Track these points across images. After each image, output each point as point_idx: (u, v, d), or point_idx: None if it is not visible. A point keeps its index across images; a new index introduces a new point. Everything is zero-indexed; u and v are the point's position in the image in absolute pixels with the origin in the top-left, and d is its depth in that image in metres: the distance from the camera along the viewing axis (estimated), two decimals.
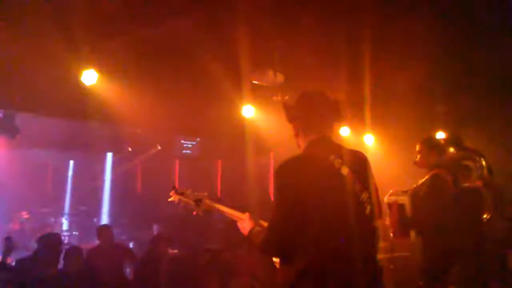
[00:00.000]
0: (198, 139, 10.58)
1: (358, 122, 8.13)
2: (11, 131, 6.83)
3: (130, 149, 10.02)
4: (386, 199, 4.20)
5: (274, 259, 2.35)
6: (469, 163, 4.86)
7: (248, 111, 7.47)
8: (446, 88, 6.47)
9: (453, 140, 5.05)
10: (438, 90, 6.57)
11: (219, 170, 11.45)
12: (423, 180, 4.08)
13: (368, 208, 2.21)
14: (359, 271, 2.06)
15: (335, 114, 2.42)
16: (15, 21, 4.61)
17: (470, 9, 4.50)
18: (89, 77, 5.73)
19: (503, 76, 6.08)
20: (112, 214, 10.59)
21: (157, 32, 4.85)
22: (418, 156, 4.21)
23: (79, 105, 6.31)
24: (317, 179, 2.15)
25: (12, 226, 7.02)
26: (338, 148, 2.31)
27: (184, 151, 10.72)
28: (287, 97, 6.93)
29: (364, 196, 2.21)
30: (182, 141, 10.68)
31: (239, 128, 7.94)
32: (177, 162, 11.35)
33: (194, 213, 2.75)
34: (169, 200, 2.81)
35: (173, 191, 2.80)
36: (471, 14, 4.60)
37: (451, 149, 4.90)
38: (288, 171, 2.19)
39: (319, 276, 2.04)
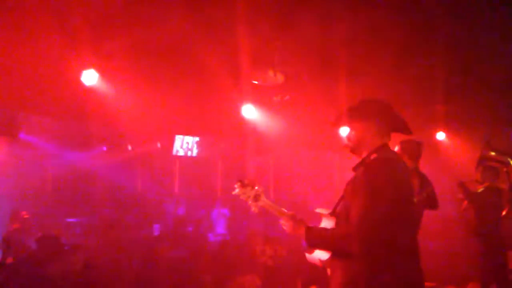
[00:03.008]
0: (198, 139, 10.57)
1: None
2: (12, 131, 6.83)
3: (130, 147, 10.02)
4: None
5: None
6: (495, 164, 5.13)
7: (248, 111, 7.46)
8: (446, 88, 6.47)
9: (489, 144, 5.31)
10: (438, 90, 6.57)
11: (219, 170, 11.43)
12: None
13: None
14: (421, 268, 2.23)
15: None
16: (16, 21, 4.60)
17: (470, 9, 4.50)
18: (89, 77, 5.73)
19: (503, 76, 6.08)
20: (112, 213, 10.55)
21: (157, 33, 4.84)
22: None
23: (79, 105, 6.31)
24: (407, 181, 2.29)
25: (12, 226, 7.01)
26: None
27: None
28: (287, 97, 6.93)
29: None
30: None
31: (239, 128, 7.95)
32: (177, 161, 11.33)
33: (252, 209, 2.69)
34: (233, 193, 2.73)
35: (239, 183, 2.71)
36: (471, 14, 4.61)
37: (493, 153, 5.33)
38: (388, 171, 2.20)
39: (399, 272, 2.12)
